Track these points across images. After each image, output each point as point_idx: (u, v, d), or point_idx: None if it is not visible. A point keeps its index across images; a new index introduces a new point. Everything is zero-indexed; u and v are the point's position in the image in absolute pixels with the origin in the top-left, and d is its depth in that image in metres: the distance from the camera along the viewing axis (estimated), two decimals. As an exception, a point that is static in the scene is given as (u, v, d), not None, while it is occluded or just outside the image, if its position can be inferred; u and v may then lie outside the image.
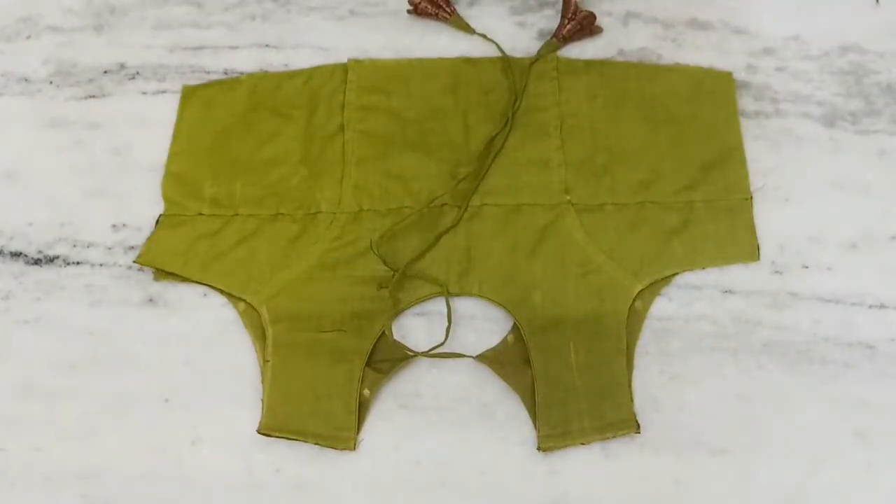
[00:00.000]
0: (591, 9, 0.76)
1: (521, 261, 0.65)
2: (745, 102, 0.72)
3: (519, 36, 0.76)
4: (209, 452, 0.61)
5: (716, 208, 0.67)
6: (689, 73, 0.73)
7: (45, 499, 0.60)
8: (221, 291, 0.66)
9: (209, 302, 0.66)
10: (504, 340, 0.63)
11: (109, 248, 0.69)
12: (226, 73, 0.76)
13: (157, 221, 0.69)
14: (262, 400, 0.62)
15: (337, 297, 0.64)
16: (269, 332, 0.63)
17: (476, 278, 0.65)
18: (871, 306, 0.64)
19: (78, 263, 0.68)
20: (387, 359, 0.63)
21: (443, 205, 0.68)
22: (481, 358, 0.63)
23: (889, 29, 0.74)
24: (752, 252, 0.66)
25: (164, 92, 0.75)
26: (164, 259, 0.67)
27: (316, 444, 0.60)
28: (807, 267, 0.65)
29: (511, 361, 0.62)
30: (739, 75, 0.73)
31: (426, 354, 0.62)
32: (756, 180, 0.68)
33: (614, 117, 0.71)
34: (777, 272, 0.65)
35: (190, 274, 0.66)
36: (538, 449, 0.60)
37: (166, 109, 0.73)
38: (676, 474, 0.59)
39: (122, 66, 0.76)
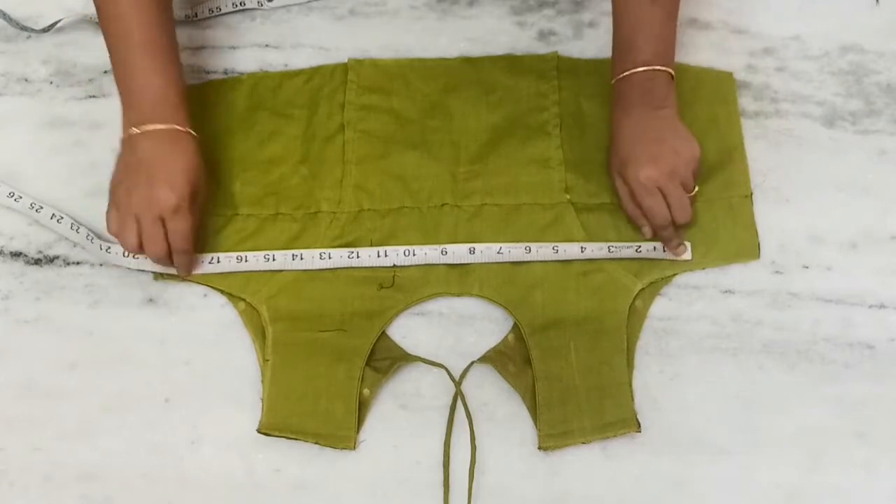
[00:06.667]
0: (591, 8, 0.75)
1: (521, 260, 0.65)
2: (745, 102, 0.72)
3: (519, 36, 0.75)
4: (209, 452, 0.61)
5: (716, 207, 0.67)
6: (689, 72, 0.72)
7: (45, 499, 0.60)
8: (221, 291, 0.66)
9: (209, 302, 0.66)
10: (504, 340, 0.63)
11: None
12: (226, 73, 0.75)
13: (157, 221, 0.68)
14: (262, 399, 0.62)
15: (337, 296, 0.64)
16: (269, 331, 0.63)
17: (476, 278, 0.65)
18: (871, 306, 0.64)
19: (78, 263, 0.68)
20: (387, 358, 0.63)
21: (443, 205, 0.68)
22: (481, 358, 0.63)
23: (889, 29, 0.74)
24: (752, 250, 0.66)
25: (164, 92, 0.74)
26: (164, 259, 0.67)
27: (316, 443, 0.60)
28: (807, 267, 0.65)
29: (511, 361, 0.62)
30: (739, 75, 0.73)
31: (424, 361, 0.62)
32: (756, 180, 0.68)
33: (614, 117, 0.70)
34: (777, 272, 0.65)
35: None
36: (538, 448, 0.60)
37: (166, 109, 0.73)
38: (677, 474, 0.59)
39: (122, 66, 0.76)
